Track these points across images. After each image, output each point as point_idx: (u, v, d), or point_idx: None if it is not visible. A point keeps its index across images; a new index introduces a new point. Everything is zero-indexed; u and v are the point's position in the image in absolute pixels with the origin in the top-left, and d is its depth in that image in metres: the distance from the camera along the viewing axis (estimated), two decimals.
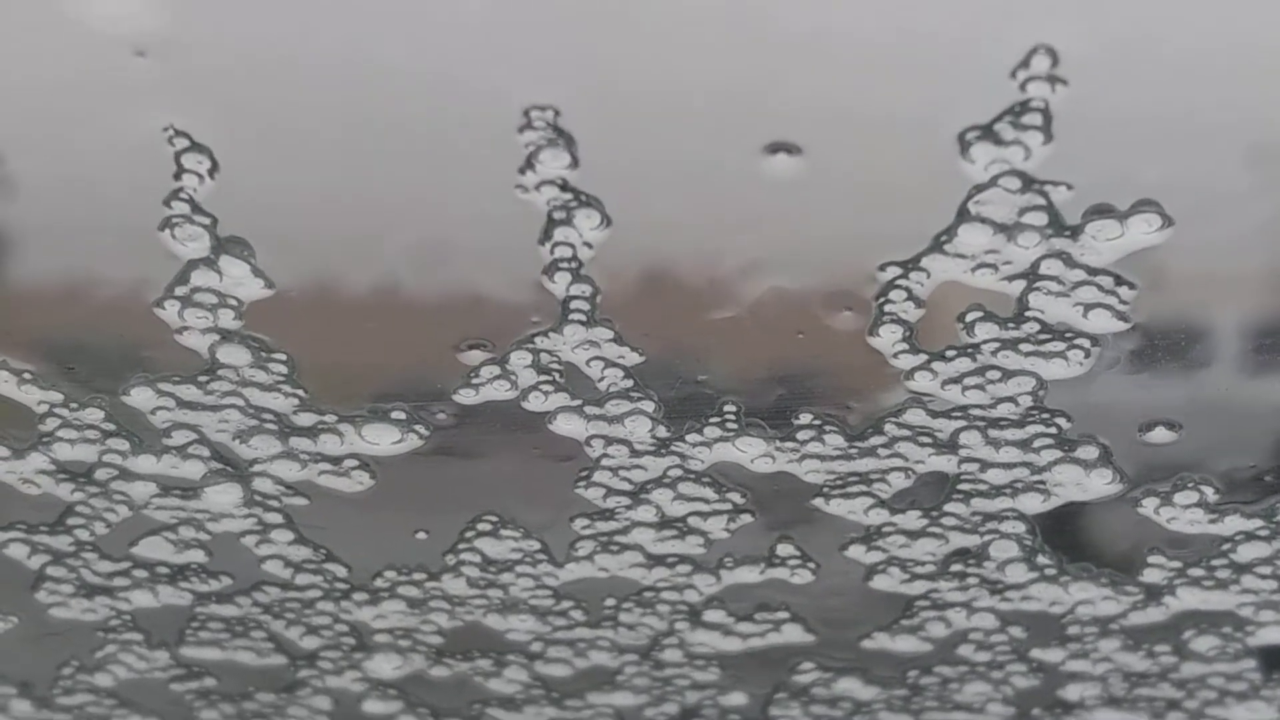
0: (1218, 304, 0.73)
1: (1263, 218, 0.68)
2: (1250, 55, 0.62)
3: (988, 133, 0.64)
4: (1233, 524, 0.86)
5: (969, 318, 0.73)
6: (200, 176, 0.67)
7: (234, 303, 0.73)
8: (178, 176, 0.67)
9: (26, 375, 0.78)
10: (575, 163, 0.66)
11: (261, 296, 0.73)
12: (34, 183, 0.68)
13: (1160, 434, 0.79)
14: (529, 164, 0.67)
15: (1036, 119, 0.63)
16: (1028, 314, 0.72)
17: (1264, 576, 0.90)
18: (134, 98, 0.64)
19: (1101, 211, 0.67)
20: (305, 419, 0.81)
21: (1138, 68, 0.62)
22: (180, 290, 0.73)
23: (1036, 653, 1.00)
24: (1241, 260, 0.71)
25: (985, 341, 0.74)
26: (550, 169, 0.67)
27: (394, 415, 0.80)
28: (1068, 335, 0.73)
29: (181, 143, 0.66)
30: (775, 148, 0.65)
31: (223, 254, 0.71)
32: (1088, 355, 0.74)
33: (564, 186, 0.67)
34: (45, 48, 0.63)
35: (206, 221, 0.69)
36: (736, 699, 1.07)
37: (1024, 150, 0.64)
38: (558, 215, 0.69)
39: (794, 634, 0.99)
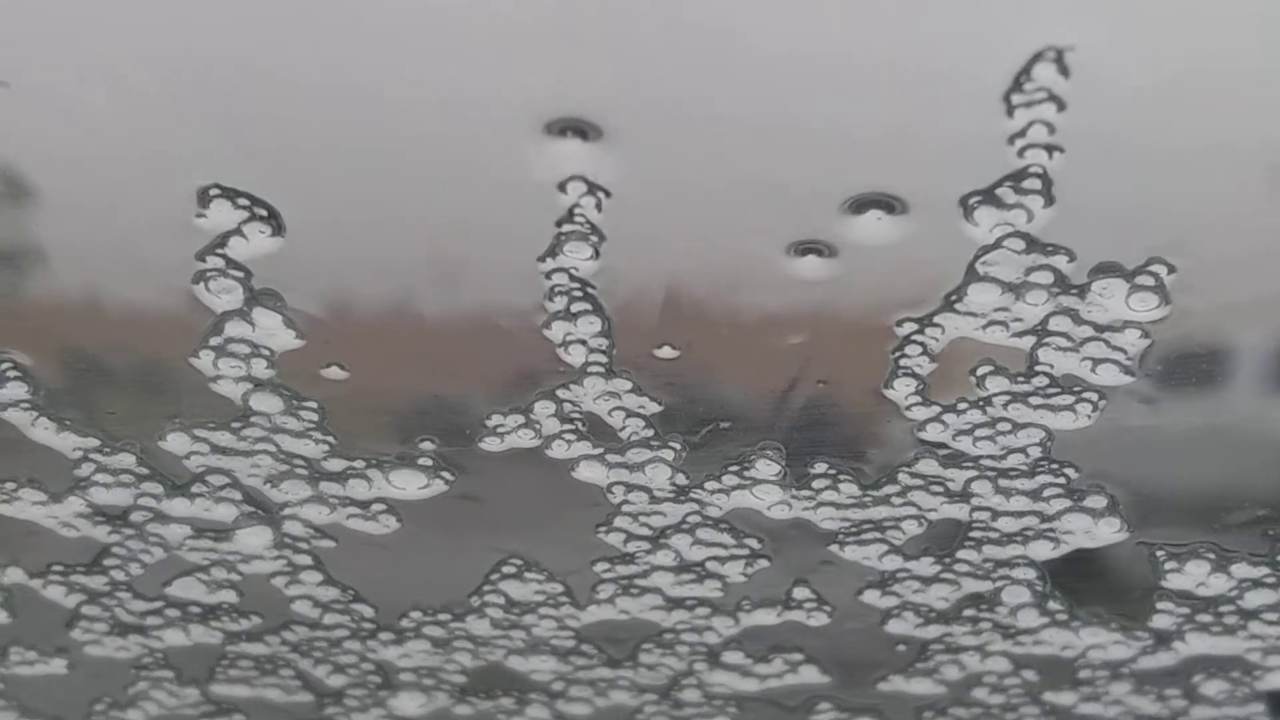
0: (1220, 352, 0.74)
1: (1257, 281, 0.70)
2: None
3: (989, 197, 0.65)
4: (1240, 571, 0.87)
5: (980, 371, 0.74)
6: (244, 237, 0.69)
7: (266, 353, 0.75)
8: (223, 241, 0.69)
9: (67, 422, 0.80)
10: (596, 255, 0.69)
11: (293, 347, 0.74)
12: (75, 241, 0.70)
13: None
14: (552, 251, 0.69)
15: (1036, 184, 0.64)
16: (1037, 368, 0.73)
17: (1271, 623, 0.91)
18: (172, 155, 0.66)
19: (1107, 270, 0.69)
20: (335, 464, 0.82)
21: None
22: (215, 341, 0.74)
23: (1049, 695, 1.01)
24: (1241, 314, 0.72)
25: (996, 395, 0.75)
26: (573, 259, 0.69)
27: (420, 461, 0.82)
28: (1075, 389, 0.74)
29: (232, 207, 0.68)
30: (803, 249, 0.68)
31: (255, 306, 0.72)
32: (1095, 409, 0.75)
33: (573, 276, 0.70)
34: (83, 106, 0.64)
35: (240, 275, 0.71)
36: None
37: (1026, 213, 0.66)
38: (574, 307, 0.71)
39: (811, 675, 1.00)
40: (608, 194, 0.66)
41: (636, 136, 0.63)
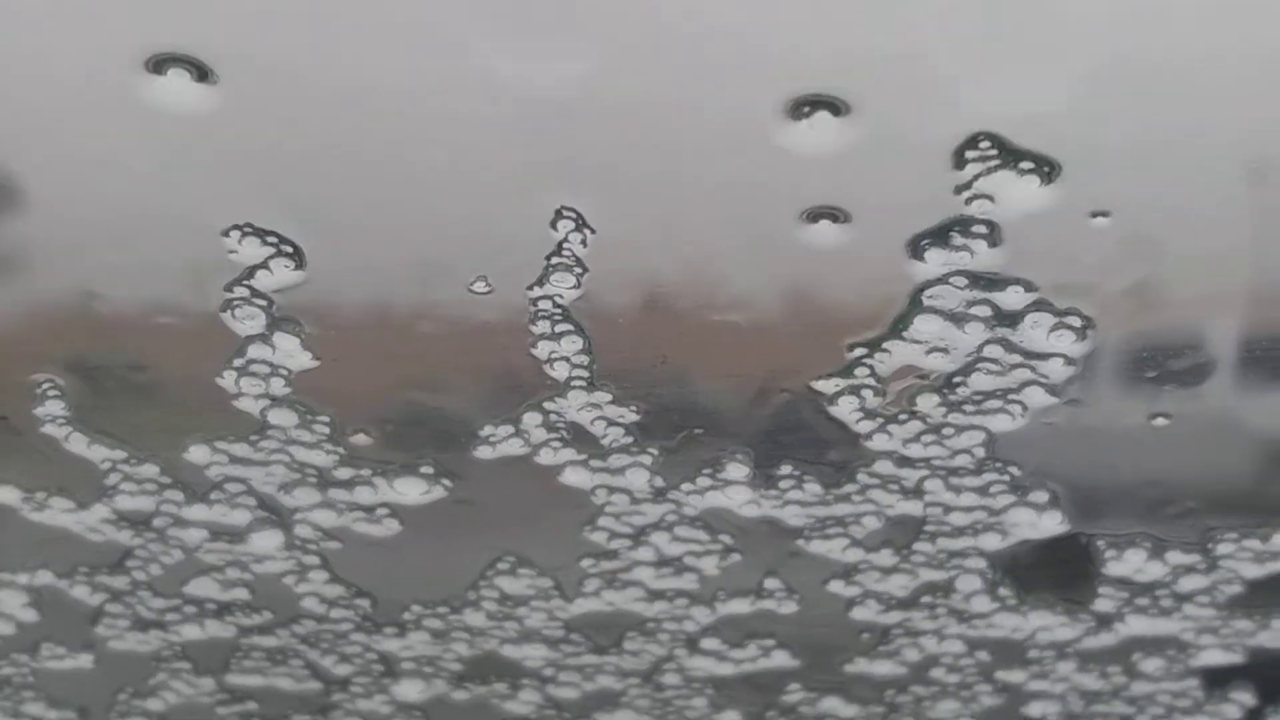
0: (1152, 358, 0.77)
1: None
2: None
3: (939, 238, 0.70)
4: (1174, 558, 0.91)
5: (916, 388, 0.78)
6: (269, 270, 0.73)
7: (285, 373, 0.79)
8: (251, 273, 0.73)
9: (98, 434, 0.84)
10: (578, 284, 0.73)
11: (309, 367, 0.78)
12: (116, 275, 0.74)
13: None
14: (540, 281, 0.73)
15: (982, 229, 0.69)
16: (968, 385, 0.77)
17: (1203, 605, 0.95)
18: (210, 185, 0.69)
19: (1039, 306, 0.73)
20: (343, 473, 0.85)
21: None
22: (238, 362, 0.78)
23: (1001, 674, 1.04)
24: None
25: (935, 407, 0.79)
26: (557, 287, 0.73)
27: (422, 470, 0.85)
28: (998, 394, 0.78)
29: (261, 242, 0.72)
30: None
31: (276, 330, 0.76)
32: (1025, 410, 0.79)
33: (555, 304, 0.74)
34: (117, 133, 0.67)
35: (263, 303, 0.75)
36: (730, 718, 1.10)
37: (970, 253, 0.70)
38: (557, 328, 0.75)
39: (782, 659, 1.03)
40: (593, 230, 0.70)
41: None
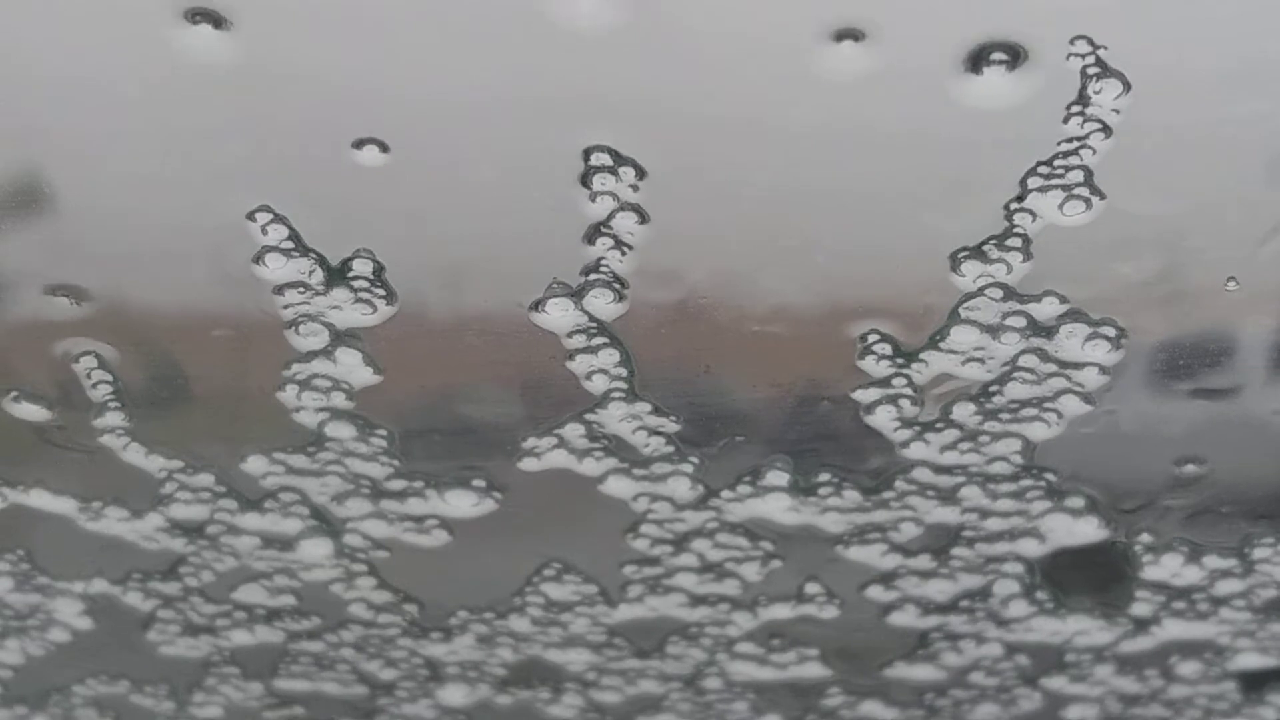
0: (1184, 366, 0.79)
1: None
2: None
3: (976, 252, 0.72)
4: (1210, 562, 0.92)
5: (952, 397, 0.80)
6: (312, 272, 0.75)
7: (346, 387, 0.80)
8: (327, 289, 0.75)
9: (155, 443, 0.85)
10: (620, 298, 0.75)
11: (372, 383, 0.80)
12: (179, 295, 0.76)
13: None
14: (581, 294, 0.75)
15: (1018, 242, 0.71)
16: (1004, 393, 0.79)
17: (1239, 608, 0.96)
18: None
19: (1073, 316, 0.75)
20: (396, 484, 0.87)
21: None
22: (300, 376, 0.79)
23: (1039, 678, 1.05)
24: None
25: (970, 416, 0.81)
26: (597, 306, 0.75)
27: (474, 482, 0.87)
28: (1035, 403, 0.79)
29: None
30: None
31: (340, 345, 0.78)
32: (1060, 417, 0.80)
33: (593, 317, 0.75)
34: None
35: (328, 320, 0.76)
36: None
37: (1006, 266, 0.72)
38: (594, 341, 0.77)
39: (822, 663, 1.04)
40: (630, 247, 0.72)
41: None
